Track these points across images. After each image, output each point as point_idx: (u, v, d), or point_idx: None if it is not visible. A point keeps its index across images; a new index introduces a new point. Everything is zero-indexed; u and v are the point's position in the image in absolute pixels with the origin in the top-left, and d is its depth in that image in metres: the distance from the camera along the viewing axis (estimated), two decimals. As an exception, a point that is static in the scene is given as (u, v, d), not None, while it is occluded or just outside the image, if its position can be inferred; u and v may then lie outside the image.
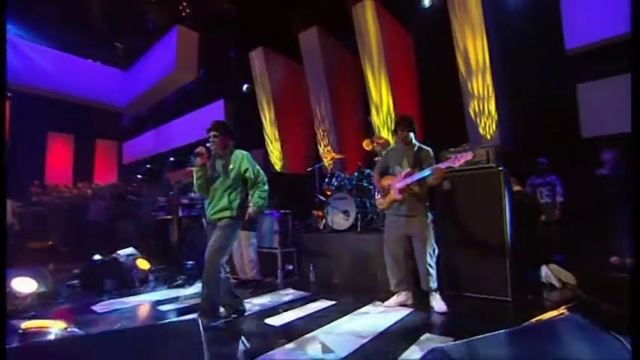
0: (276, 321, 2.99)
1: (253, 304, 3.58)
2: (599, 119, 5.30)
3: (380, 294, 3.63)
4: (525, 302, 3.23)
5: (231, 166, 2.99)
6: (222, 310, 3.05)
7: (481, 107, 5.58)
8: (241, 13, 7.64)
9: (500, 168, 3.32)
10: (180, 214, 4.99)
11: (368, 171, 5.41)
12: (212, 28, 7.47)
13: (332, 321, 2.93)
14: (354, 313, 3.13)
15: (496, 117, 5.42)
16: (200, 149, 2.96)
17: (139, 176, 9.28)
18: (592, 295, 3.42)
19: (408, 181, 3.13)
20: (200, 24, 7.42)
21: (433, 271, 3.13)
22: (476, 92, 5.55)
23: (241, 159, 3.03)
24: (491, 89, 5.44)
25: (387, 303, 3.30)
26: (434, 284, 3.13)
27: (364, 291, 3.93)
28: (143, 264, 4.63)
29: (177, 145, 9.72)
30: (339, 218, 5.11)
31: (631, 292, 1.53)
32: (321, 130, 7.45)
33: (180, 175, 6.12)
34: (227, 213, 2.94)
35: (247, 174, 3.01)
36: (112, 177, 11.33)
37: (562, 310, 1.85)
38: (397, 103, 6.54)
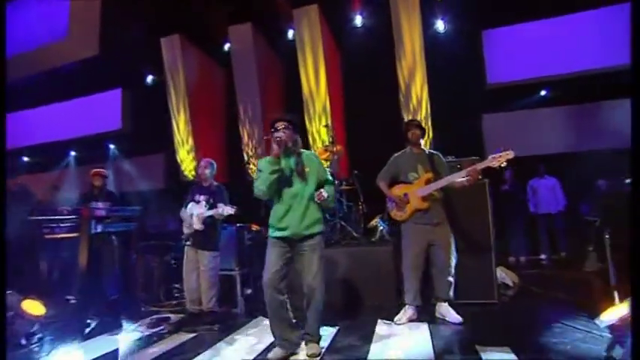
0: (305, 364, 2.39)
1: (239, 345, 2.81)
2: (500, 143, 6.39)
3: (367, 311, 3.47)
4: (510, 303, 3.50)
5: (307, 169, 2.46)
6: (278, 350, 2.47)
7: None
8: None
9: (486, 180, 3.58)
10: (93, 230, 3.62)
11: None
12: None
13: (366, 350, 2.53)
14: (376, 337, 2.78)
15: (431, 136, 5.95)
16: (281, 135, 2.36)
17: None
18: (541, 289, 4.02)
19: (434, 187, 3.03)
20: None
21: (453, 281, 3.09)
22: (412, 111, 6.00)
23: (318, 163, 2.56)
24: (425, 107, 5.97)
25: (398, 320, 3.07)
26: (452, 294, 3.09)
27: (346, 310, 3.60)
28: (34, 308, 3.09)
29: (38, 142, 7.16)
30: None
31: (631, 292, 1.72)
32: (247, 137, 6.77)
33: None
34: (320, 227, 2.48)
35: (327, 179, 2.58)
36: None
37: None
38: (334, 115, 6.51)
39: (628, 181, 4.46)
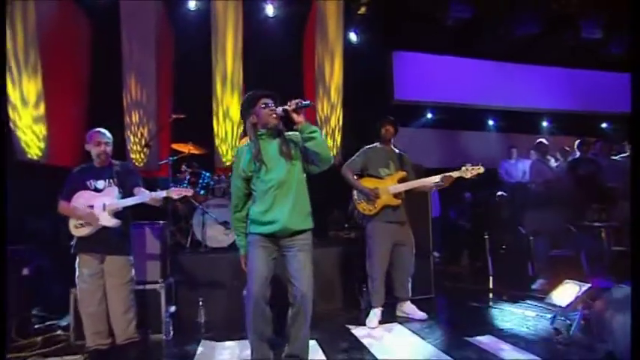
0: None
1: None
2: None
3: (323, 318, 3.15)
4: (445, 295, 3.86)
5: (293, 151, 2.05)
6: None
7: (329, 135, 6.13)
8: None
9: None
10: None
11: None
12: None
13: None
14: (369, 345, 2.57)
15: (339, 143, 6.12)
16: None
17: None
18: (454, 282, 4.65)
19: (407, 186, 3.02)
20: None
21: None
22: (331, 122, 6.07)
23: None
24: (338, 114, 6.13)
25: (370, 324, 2.93)
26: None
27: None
28: None
29: None
30: (216, 232, 3.97)
31: (632, 292, 1.95)
32: (134, 117, 5.34)
33: None
34: (311, 222, 2.09)
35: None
36: None
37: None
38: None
39: (500, 193, 5.75)
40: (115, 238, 2.52)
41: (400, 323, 2.99)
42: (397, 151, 3.27)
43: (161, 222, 3.14)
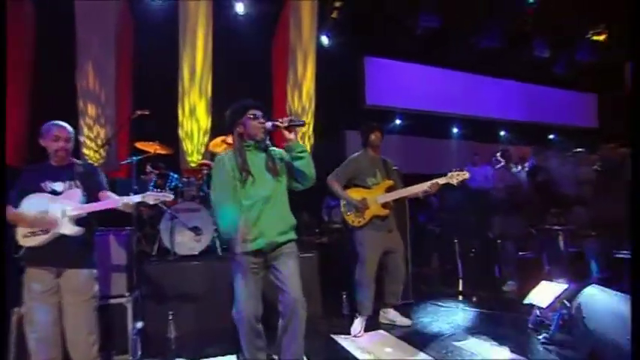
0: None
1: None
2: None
3: None
4: (423, 300, 3.86)
5: (279, 166, 2.02)
6: None
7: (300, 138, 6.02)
8: None
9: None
10: None
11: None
12: None
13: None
14: (355, 354, 2.47)
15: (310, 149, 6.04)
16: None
17: None
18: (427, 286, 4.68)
19: (395, 195, 2.96)
20: None
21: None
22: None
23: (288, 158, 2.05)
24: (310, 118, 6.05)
25: (357, 332, 2.83)
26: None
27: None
28: None
29: None
30: (185, 238, 3.66)
31: (632, 291, 1.86)
32: (89, 110, 4.84)
33: None
34: (295, 234, 2.05)
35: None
36: None
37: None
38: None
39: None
40: (76, 247, 2.18)
41: (385, 330, 2.93)
42: (382, 158, 3.20)
43: (127, 228, 2.82)
